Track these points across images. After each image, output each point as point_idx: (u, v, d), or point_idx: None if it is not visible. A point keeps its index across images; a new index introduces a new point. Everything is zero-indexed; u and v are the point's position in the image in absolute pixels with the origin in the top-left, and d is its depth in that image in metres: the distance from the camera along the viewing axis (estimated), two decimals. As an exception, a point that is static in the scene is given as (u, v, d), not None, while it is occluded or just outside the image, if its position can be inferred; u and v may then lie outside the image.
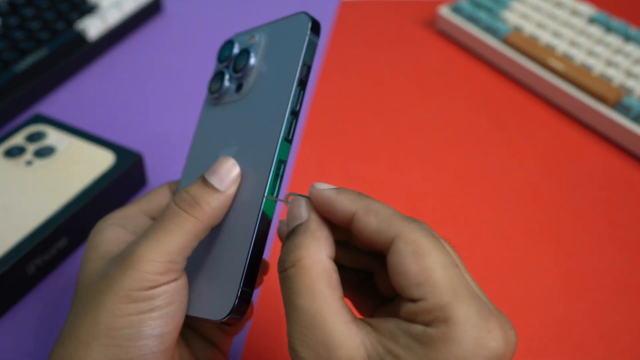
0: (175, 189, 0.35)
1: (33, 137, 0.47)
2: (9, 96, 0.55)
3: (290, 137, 0.30)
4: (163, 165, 0.51)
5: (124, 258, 0.28)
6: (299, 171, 0.51)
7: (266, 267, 0.33)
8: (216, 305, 0.29)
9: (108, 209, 0.46)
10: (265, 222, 0.29)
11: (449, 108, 0.57)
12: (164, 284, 0.28)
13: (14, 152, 0.46)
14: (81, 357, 0.27)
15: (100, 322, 0.27)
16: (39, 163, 0.45)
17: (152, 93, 0.59)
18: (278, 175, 0.30)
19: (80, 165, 0.45)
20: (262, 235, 0.29)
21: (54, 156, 0.46)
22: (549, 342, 0.39)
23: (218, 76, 0.35)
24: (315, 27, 0.31)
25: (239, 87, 0.34)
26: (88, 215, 0.43)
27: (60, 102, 0.58)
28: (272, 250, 0.44)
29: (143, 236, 0.29)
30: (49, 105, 0.57)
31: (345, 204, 0.27)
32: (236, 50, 0.35)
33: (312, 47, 0.31)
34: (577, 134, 0.55)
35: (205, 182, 0.30)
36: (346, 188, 0.29)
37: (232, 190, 0.30)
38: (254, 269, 0.29)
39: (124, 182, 0.46)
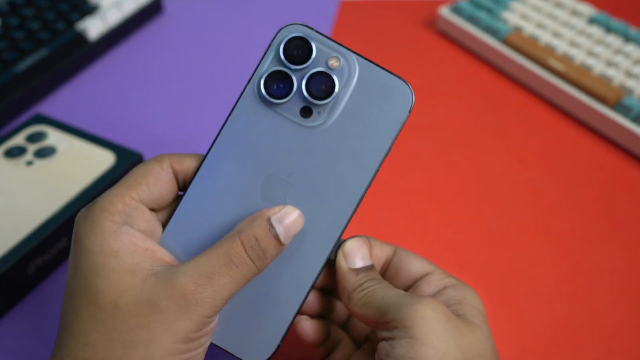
0: (181, 171, 0.31)
1: (33, 137, 0.47)
2: (9, 96, 0.55)
3: (355, 211, 0.31)
4: (163, 165, 0.51)
5: (184, 298, 0.27)
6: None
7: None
8: (253, 350, 0.31)
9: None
10: (316, 283, 0.31)
11: (449, 108, 0.57)
12: (211, 322, 0.28)
13: (15, 153, 0.46)
14: None
15: (154, 357, 0.27)
16: (40, 163, 0.45)
17: (152, 93, 0.59)
18: (338, 244, 0.31)
19: (80, 165, 0.45)
20: (309, 293, 0.31)
21: (54, 156, 0.46)
22: (549, 342, 0.39)
23: (283, 79, 0.30)
24: (413, 106, 0.30)
25: (307, 112, 0.30)
26: (88, 215, 0.43)
27: (60, 102, 0.58)
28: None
29: (204, 275, 0.27)
30: (49, 106, 0.57)
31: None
32: (313, 59, 0.30)
33: (404, 124, 0.30)
34: (577, 134, 0.55)
35: (272, 230, 0.29)
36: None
37: (288, 243, 0.30)
38: (290, 325, 0.31)
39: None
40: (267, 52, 0.30)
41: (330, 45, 0.30)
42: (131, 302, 0.27)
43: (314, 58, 0.30)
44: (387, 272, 0.33)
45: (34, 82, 0.56)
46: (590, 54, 0.58)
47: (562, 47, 0.59)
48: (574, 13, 0.63)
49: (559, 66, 0.57)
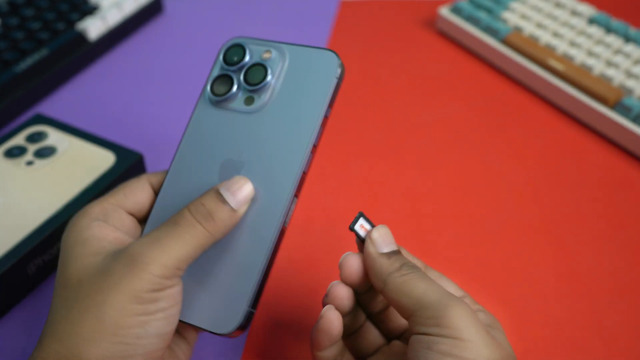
0: (156, 182, 0.35)
1: (33, 138, 0.47)
2: (10, 96, 0.55)
3: (306, 171, 0.32)
4: (163, 165, 0.51)
5: (132, 258, 0.28)
6: (299, 171, 0.51)
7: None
8: (220, 321, 0.31)
9: (108, 209, 0.46)
10: (275, 249, 0.32)
11: (449, 108, 0.57)
12: (169, 287, 0.29)
13: (15, 153, 0.46)
14: (84, 353, 0.27)
15: (106, 320, 0.28)
16: (40, 163, 0.45)
17: (153, 93, 0.59)
18: (290, 208, 0.32)
19: (80, 165, 0.45)
20: (272, 261, 0.32)
21: (54, 156, 0.46)
22: (549, 342, 0.39)
23: (225, 79, 0.35)
24: (342, 67, 0.33)
25: (250, 100, 0.34)
26: (88, 215, 0.43)
27: (60, 102, 0.58)
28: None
29: (153, 238, 0.29)
30: (49, 106, 0.57)
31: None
32: (248, 58, 0.35)
33: (337, 89, 0.33)
34: (577, 134, 0.55)
35: (220, 197, 0.31)
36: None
37: (243, 210, 0.31)
38: (261, 290, 0.31)
39: (124, 182, 0.46)
40: (214, 65, 0.36)
41: (263, 43, 0.35)
42: (91, 275, 0.29)
43: (249, 56, 0.35)
44: None
45: (34, 82, 0.56)
46: (590, 54, 0.58)
47: (562, 47, 0.59)
48: (574, 13, 0.63)
49: (559, 66, 0.57)
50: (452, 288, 0.33)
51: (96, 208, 0.32)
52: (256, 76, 0.34)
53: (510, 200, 0.49)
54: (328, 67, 0.33)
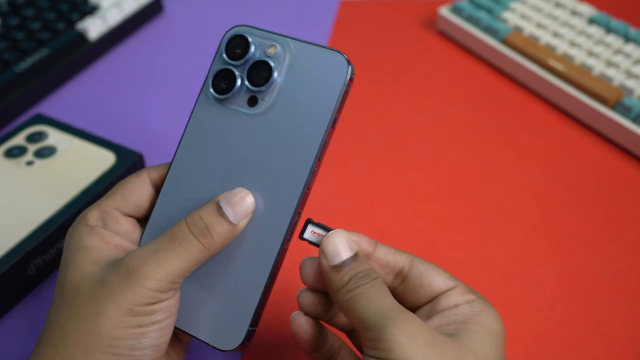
0: (157, 178, 0.34)
1: (34, 137, 0.47)
2: (10, 96, 0.55)
3: (310, 187, 0.31)
4: (163, 165, 0.51)
5: (128, 271, 0.28)
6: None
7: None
8: (222, 336, 0.31)
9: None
10: (279, 264, 0.31)
11: (449, 108, 0.57)
12: (164, 300, 0.29)
13: (15, 153, 0.46)
14: None
15: (102, 332, 0.28)
16: (40, 163, 0.45)
17: (153, 93, 0.59)
18: (295, 223, 0.31)
19: (80, 165, 0.45)
20: (274, 277, 0.31)
21: (54, 156, 0.46)
22: (549, 342, 0.39)
23: (227, 75, 0.32)
24: (353, 77, 0.31)
25: (254, 101, 0.32)
26: (88, 215, 0.43)
27: (60, 102, 0.58)
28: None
29: (149, 251, 0.29)
30: (49, 106, 0.57)
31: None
32: (252, 52, 0.32)
33: (346, 96, 0.31)
34: (577, 134, 0.55)
35: (219, 210, 0.30)
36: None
37: (243, 224, 0.31)
38: (262, 307, 0.31)
39: (124, 179, 0.46)
40: (215, 56, 0.33)
41: (268, 36, 0.32)
42: (88, 283, 0.29)
43: (253, 51, 0.32)
44: (404, 286, 0.32)
45: (34, 82, 0.56)
46: (590, 54, 0.58)
47: (562, 47, 0.59)
48: (574, 13, 0.63)
49: (559, 66, 0.57)
50: (442, 278, 0.31)
51: (95, 213, 0.32)
52: (261, 76, 0.32)
53: (510, 200, 0.49)
54: (337, 70, 0.31)
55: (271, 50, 0.32)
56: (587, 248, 0.45)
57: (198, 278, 0.32)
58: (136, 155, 0.46)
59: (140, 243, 0.33)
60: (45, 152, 0.46)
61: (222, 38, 0.33)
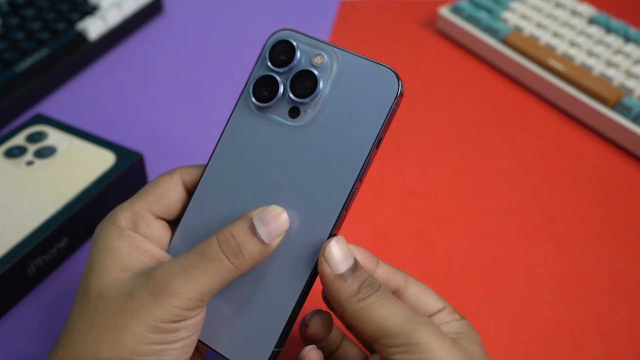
0: (190, 181, 0.33)
1: (34, 137, 0.47)
2: (10, 96, 0.55)
3: (348, 209, 0.30)
4: (163, 165, 0.51)
5: (157, 287, 0.28)
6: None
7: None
8: (246, 356, 0.30)
9: (109, 209, 0.45)
10: (309, 286, 0.30)
11: (448, 108, 0.57)
12: (190, 318, 0.28)
13: (15, 153, 0.46)
14: None
15: (124, 345, 0.27)
16: (40, 163, 0.45)
17: (152, 93, 0.59)
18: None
19: (80, 165, 0.45)
20: (304, 298, 0.30)
21: (54, 156, 0.46)
22: (549, 342, 0.39)
23: (269, 82, 0.31)
24: (402, 95, 0.29)
25: (295, 112, 0.30)
26: (89, 215, 0.43)
27: (60, 102, 0.58)
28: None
29: (179, 268, 0.28)
30: (49, 106, 0.57)
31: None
32: (297, 60, 0.30)
33: (393, 115, 0.29)
34: (577, 134, 0.55)
35: (252, 229, 0.29)
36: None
37: (275, 243, 0.29)
38: (289, 328, 0.30)
39: (124, 182, 0.46)
40: (257, 60, 0.32)
41: (315, 44, 0.31)
42: (114, 292, 0.28)
43: (298, 58, 0.30)
44: None
45: (34, 82, 0.56)
46: (590, 54, 0.58)
47: (562, 47, 0.59)
48: (574, 13, 0.63)
49: (559, 66, 0.57)
50: (434, 299, 0.32)
51: (126, 213, 0.31)
52: (305, 87, 0.30)
53: (510, 200, 0.49)
54: (386, 87, 0.29)
55: (317, 60, 0.30)
56: (587, 248, 0.45)
57: (226, 294, 0.31)
58: (136, 155, 0.46)
59: (168, 247, 0.32)
60: (45, 152, 0.46)
61: (266, 42, 0.31)
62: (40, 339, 0.39)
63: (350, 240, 0.30)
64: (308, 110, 0.30)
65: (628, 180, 0.51)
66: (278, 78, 0.30)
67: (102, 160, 0.46)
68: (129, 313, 0.27)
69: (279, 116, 0.31)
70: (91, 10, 0.63)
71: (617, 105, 0.53)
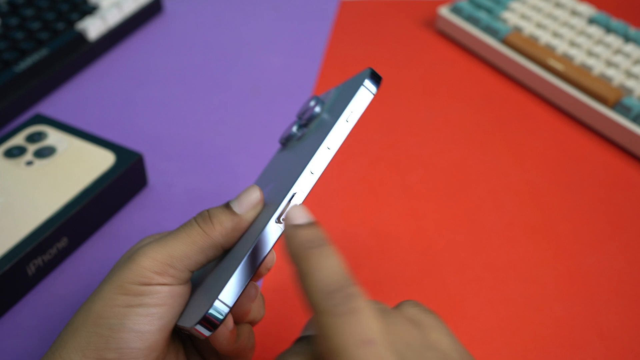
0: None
1: (33, 137, 0.47)
2: (9, 96, 0.55)
3: (314, 172, 0.30)
4: (163, 165, 0.51)
5: (131, 253, 0.30)
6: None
7: (255, 294, 0.32)
8: (191, 314, 0.29)
9: (108, 209, 0.46)
10: (262, 245, 0.29)
11: (448, 108, 0.57)
12: (158, 284, 0.29)
13: (14, 153, 0.46)
14: (69, 342, 0.28)
15: (93, 309, 0.28)
16: (39, 163, 0.45)
17: (152, 93, 0.59)
18: (287, 205, 0.30)
19: (80, 165, 0.45)
20: (255, 256, 0.29)
21: (54, 156, 0.46)
22: (549, 342, 0.39)
23: (291, 128, 0.36)
24: (375, 78, 0.32)
25: (302, 136, 0.34)
26: (88, 215, 0.43)
27: (60, 102, 0.58)
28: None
29: (156, 239, 0.31)
30: (49, 106, 0.57)
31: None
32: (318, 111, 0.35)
33: (365, 98, 0.31)
34: (577, 134, 0.55)
35: (226, 205, 0.31)
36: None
37: (249, 215, 0.30)
38: (237, 286, 0.28)
39: (124, 182, 0.46)
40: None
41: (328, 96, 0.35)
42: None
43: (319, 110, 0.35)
44: None
45: (34, 82, 0.56)
46: (590, 54, 0.58)
47: (562, 47, 0.59)
48: (574, 13, 0.63)
49: (558, 66, 0.57)
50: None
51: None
52: (306, 113, 0.34)
53: (510, 200, 0.49)
54: (359, 80, 0.32)
55: (325, 97, 0.35)
56: (587, 248, 0.45)
57: (198, 280, 0.32)
58: (136, 155, 0.46)
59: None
60: (45, 152, 0.46)
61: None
62: (40, 339, 0.39)
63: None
64: (309, 126, 0.34)
65: (628, 180, 0.51)
66: (297, 121, 0.35)
67: (102, 160, 0.46)
68: (103, 282, 0.29)
69: (291, 144, 0.35)
70: (91, 10, 0.63)
71: (617, 105, 0.53)
